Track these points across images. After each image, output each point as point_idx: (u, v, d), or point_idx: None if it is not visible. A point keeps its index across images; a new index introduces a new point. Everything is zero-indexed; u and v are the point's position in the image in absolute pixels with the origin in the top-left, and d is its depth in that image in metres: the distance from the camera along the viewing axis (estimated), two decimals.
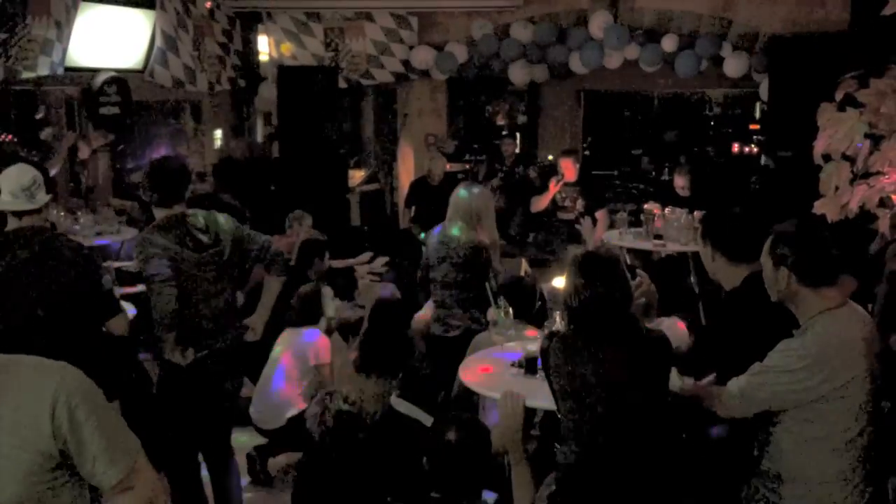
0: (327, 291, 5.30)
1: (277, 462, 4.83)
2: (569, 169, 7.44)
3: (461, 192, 4.78)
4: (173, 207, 3.69)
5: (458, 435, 2.81)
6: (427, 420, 3.50)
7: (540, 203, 7.59)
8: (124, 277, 6.18)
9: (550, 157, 9.08)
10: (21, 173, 3.54)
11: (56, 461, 1.81)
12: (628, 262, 6.94)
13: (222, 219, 3.83)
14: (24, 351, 1.90)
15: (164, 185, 3.70)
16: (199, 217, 3.73)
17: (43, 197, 3.57)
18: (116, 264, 6.44)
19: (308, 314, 5.07)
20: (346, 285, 6.41)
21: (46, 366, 1.85)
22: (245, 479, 4.72)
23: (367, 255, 7.45)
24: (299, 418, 4.83)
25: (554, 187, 7.39)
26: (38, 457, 1.78)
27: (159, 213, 3.69)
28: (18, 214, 3.51)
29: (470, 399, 4.17)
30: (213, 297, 3.72)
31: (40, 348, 3.04)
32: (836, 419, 2.63)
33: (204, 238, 3.69)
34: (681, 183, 7.44)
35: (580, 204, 7.45)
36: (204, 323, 3.68)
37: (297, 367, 4.90)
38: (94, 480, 1.86)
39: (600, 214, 7.43)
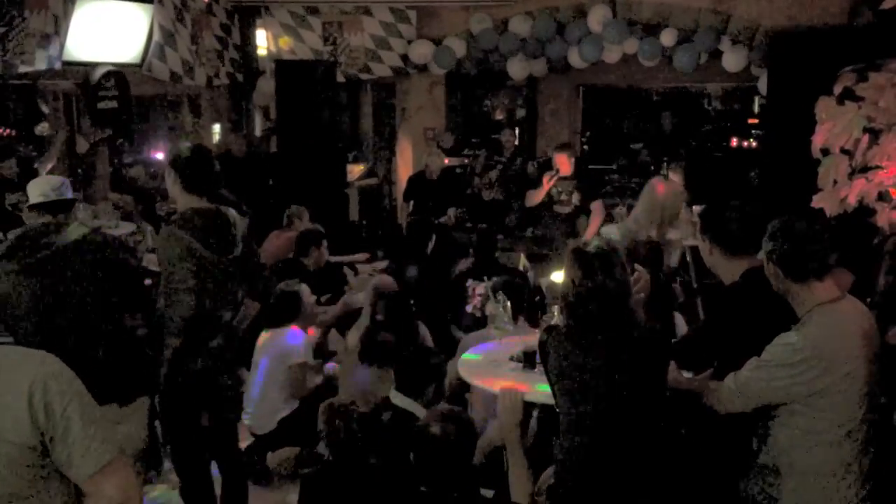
0: (304, 288, 5.17)
1: (275, 457, 4.83)
2: (564, 163, 7.42)
3: (650, 182, 4.65)
4: (202, 198, 3.55)
5: (442, 428, 2.80)
6: (422, 413, 3.50)
7: (534, 197, 7.57)
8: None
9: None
10: (50, 177, 3.83)
11: (38, 452, 1.80)
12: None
13: (237, 217, 3.72)
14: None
15: (198, 169, 3.55)
16: (230, 213, 3.60)
17: (70, 194, 3.74)
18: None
19: (287, 312, 4.94)
20: (337, 280, 6.40)
21: (24, 355, 1.85)
22: None
23: (364, 255, 7.42)
24: (290, 419, 4.83)
25: (548, 182, 7.37)
26: (20, 448, 1.78)
27: (186, 201, 3.55)
28: (53, 212, 3.61)
29: (462, 395, 4.17)
30: (229, 300, 3.63)
31: (78, 339, 3.08)
32: (833, 413, 2.63)
33: (230, 237, 3.57)
34: (676, 180, 7.43)
35: (576, 198, 7.44)
36: (215, 331, 3.60)
37: (281, 370, 4.83)
38: (69, 472, 1.84)
39: (596, 206, 7.41)
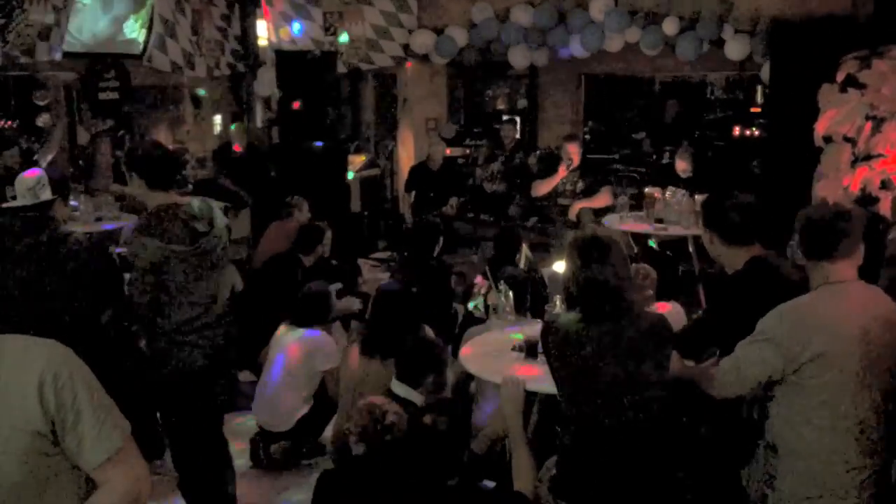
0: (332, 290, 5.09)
1: (279, 445, 4.83)
2: (575, 154, 7.40)
3: None
4: (169, 192, 3.56)
5: (433, 419, 2.80)
6: (421, 402, 3.51)
7: (543, 187, 7.55)
8: (124, 263, 6.18)
9: (554, 147, 9.05)
10: (26, 178, 3.82)
11: (50, 441, 1.80)
12: (632, 244, 6.95)
13: (217, 208, 3.71)
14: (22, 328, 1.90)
15: (156, 164, 3.55)
16: (193, 205, 3.59)
17: (47, 195, 3.78)
18: (116, 250, 6.44)
19: (319, 313, 4.88)
20: (349, 274, 6.38)
21: (34, 344, 1.84)
22: (247, 463, 4.74)
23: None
24: (307, 418, 4.78)
25: (563, 171, 7.34)
26: (31, 437, 1.78)
27: (153, 199, 3.55)
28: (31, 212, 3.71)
29: (466, 389, 4.17)
30: (196, 292, 3.58)
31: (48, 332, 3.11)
32: (820, 393, 2.64)
33: (199, 226, 3.55)
34: (682, 166, 7.42)
35: (579, 187, 7.43)
36: (182, 326, 3.58)
37: (304, 372, 4.74)
38: (79, 461, 1.84)
39: (605, 190, 7.42)
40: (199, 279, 3.56)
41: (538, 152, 9.60)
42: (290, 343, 4.78)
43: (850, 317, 2.66)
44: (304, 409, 4.77)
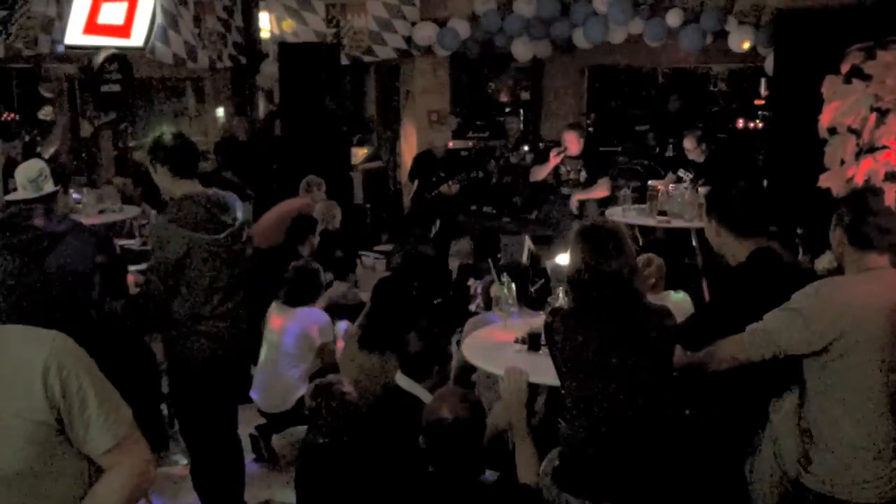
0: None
1: (279, 439, 4.84)
2: (573, 143, 7.39)
3: None
4: (193, 181, 3.58)
5: (453, 413, 2.80)
6: (427, 397, 3.50)
7: (539, 173, 7.54)
8: (128, 255, 6.19)
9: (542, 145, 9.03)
10: (29, 166, 3.83)
11: (54, 429, 1.81)
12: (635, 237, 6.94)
13: (238, 201, 3.75)
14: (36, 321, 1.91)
15: (182, 153, 3.59)
16: (218, 195, 3.63)
17: (49, 187, 3.78)
18: (120, 242, 6.45)
19: (310, 291, 4.92)
20: (344, 266, 6.38)
21: (37, 334, 1.86)
22: (249, 457, 4.73)
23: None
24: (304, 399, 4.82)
25: (554, 158, 7.34)
26: (34, 425, 1.79)
27: (178, 188, 3.57)
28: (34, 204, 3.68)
29: (468, 377, 4.17)
30: (215, 284, 3.59)
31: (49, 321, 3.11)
32: (850, 374, 2.63)
33: (225, 218, 3.57)
34: (689, 145, 7.42)
35: (583, 176, 7.42)
36: (197, 316, 3.59)
37: (301, 349, 4.77)
38: (86, 448, 1.86)
39: (603, 182, 7.41)
40: (218, 271, 3.56)
41: (543, 143, 9.56)
42: (286, 322, 4.81)
43: (883, 298, 2.65)
44: (303, 389, 4.79)
